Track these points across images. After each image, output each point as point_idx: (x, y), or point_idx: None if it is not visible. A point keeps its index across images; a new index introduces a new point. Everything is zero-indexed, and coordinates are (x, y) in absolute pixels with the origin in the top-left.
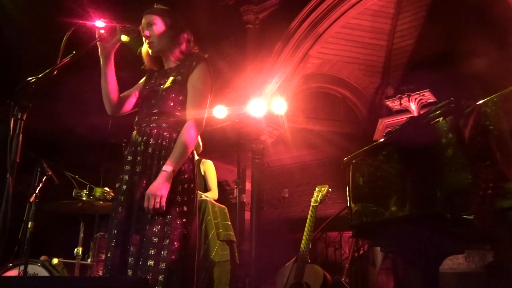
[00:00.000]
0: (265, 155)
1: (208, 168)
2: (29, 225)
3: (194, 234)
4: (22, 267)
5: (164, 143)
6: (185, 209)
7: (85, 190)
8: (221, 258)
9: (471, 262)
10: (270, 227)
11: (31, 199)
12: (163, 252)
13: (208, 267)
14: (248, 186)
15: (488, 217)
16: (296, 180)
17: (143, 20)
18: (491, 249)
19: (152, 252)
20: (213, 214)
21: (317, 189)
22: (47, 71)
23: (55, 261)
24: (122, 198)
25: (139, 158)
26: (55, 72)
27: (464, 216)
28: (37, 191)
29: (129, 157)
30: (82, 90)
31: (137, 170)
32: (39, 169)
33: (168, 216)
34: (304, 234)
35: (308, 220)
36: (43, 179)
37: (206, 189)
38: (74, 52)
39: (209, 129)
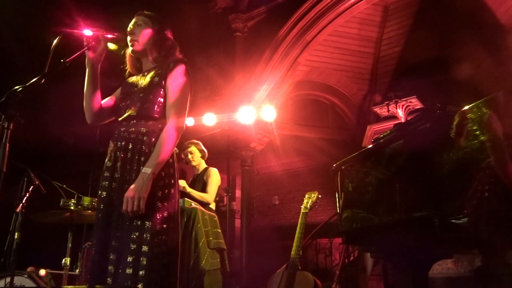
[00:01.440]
0: (255, 162)
1: (211, 174)
2: (16, 236)
3: (175, 240)
4: (8, 279)
5: (143, 147)
6: (165, 214)
7: (73, 199)
8: (211, 266)
9: (460, 267)
10: (260, 235)
11: (18, 209)
12: (142, 259)
13: (199, 276)
14: (238, 193)
15: (481, 220)
16: (286, 187)
17: (133, 20)
18: (480, 253)
19: (130, 259)
20: (203, 222)
21: (306, 195)
22: (35, 79)
23: (42, 272)
24: (102, 206)
25: (118, 164)
26: (43, 81)
27: (453, 221)
28: (24, 201)
29: (108, 163)
30: (70, 99)
31: (116, 176)
32: (26, 179)
33: (147, 222)
34: (295, 241)
35: (298, 227)
36: (30, 189)
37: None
38: (62, 60)
39: (198, 137)
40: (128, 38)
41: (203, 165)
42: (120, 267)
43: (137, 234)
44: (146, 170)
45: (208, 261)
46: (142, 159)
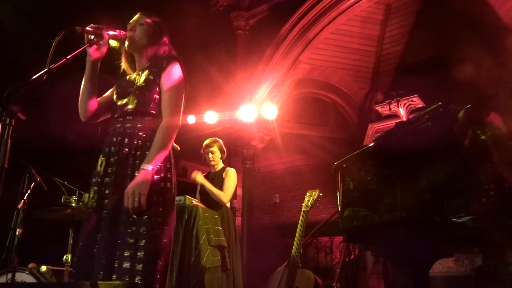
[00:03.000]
0: (256, 160)
1: (229, 174)
2: (17, 232)
3: (169, 234)
4: (9, 275)
5: (139, 142)
6: (160, 208)
7: (74, 196)
8: (212, 264)
9: (461, 266)
10: (261, 233)
11: (19, 206)
12: (139, 253)
13: (199, 273)
14: (239, 191)
15: (486, 219)
16: (287, 185)
17: (136, 16)
18: (480, 252)
19: (127, 253)
20: (204, 220)
21: (308, 193)
22: (37, 76)
23: (43, 268)
24: (94, 200)
25: (112, 159)
26: (45, 77)
27: (454, 220)
28: (25, 198)
29: (102, 158)
30: (71, 96)
31: (109, 171)
32: (27, 175)
33: (144, 217)
34: (295, 239)
35: (299, 225)
36: (32, 186)
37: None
38: (63, 57)
39: (199, 135)
40: (127, 33)
41: (220, 164)
42: (116, 261)
43: (134, 228)
44: (147, 166)
45: (209, 259)
46: (138, 153)
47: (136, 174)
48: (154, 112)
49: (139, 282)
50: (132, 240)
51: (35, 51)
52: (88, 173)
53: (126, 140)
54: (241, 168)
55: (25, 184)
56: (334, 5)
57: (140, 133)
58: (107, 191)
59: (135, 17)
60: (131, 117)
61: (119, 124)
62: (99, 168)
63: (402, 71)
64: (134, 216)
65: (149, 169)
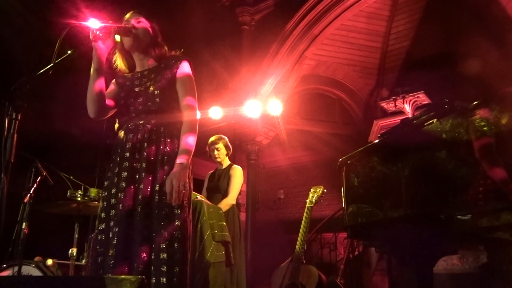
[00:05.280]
0: (261, 156)
1: (235, 173)
2: (23, 226)
3: (189, 227)
4: (16, 268)
5: (161, 139)
6: (185, 203)
7: (80, 190)
8: (216, 259)
9: (465, 263)
10: (265, 228)
11: (25, 200)
12: (176, 244)
13: (204, 268)
14: (243, 187)
15: (488, 216)
16: (292, 181)
17: (131, 15)
18: (485, 250)
19: (163, 245)
20: (208, 215)
21: (312, 190)
22: (42, 71)
23: (49, 262)
24: (121, 195)
25: (127, 154)
26: (50, 72)
27: (459, 217)
28: (31, 192)
29: (118, 154)
30: (77, 91)
31: (125, 165)
32: (33, 170)
33: (176, 210)
34: (299, 235)
35: (303, 221)
36: (38, 180)
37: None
38: (69, 52)
39: (204, 130)
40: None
41: (227, 161)
42: (153, 254)
43: (167, 221)
44: (182, 160)
45: (213, 254)
46: (162, 147)
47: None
48: (173, 109)
49: (176, 272)
50: (166, 233)
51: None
52: (94, 167)
53: (146, 135)
54: (246, 164)
55: (31, 178)
56: (340, 0)
57: (161, 129)
58: (139, 185)
59: (132, 16)
60: (153, 115)
61: (142, 121)
62: (125, 163)
63: (408, 67)
64: (167, 209)
65: (184, 162)
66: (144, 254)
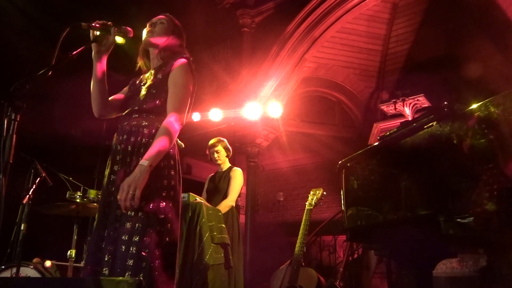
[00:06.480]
0: (261, 158)
1: (235, 176)
2: (22, 227)
3: (174, 230)
4: (14, 270)
5: (143, 140)
6: (162, 205)
7: (79, 192)
8: (215, 261)
9: (465, 267)
10: (264, 231)
11: (24, 201)
12: (132, 248)
13: (202, 270)
14: (243, 189)
15: (490, 220)
16: (291, 183)
17: (159, 16)
18: (485, 253)
19: (123, 248)
20: (207, 217)
21: (311, 192)
22: (42, 71)
23: (48, 263)
24: (102, 198)
25: (118, 157)
26: (50, 73)
27: (458, 220)
28: (30, 193)
29: (110, 156)
30: (77, 92)
31: (115, 169)
32: (32, 171)
33: (140, 213)
34: (299, 237)
35: (302, 224)
36: (37, 181)
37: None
38: (69, 53)
39: (204, 132)
40: (146, 29)
41: (227, 163)
42: (116, 257)
43: (129, 224)
44: (143, 162)
45: (212, 256)
46: (142, 150)
47: None
48: (159, 110)
49: (141, 278)
50: (126, 237)
51: (40, 47)
52: (93, 169)
53: (132, 138)
54: (246, 166)
55: (30, 179)
56: (340, 3)
57: (144, 131)
58: (113, 188)
59: (158, 17)
60: (137, 115)
61: (126, 122)
62: (108, 167)
63: (408, 70)
64: (131, 212)
65: (145, 164)
66: (107, 258)
